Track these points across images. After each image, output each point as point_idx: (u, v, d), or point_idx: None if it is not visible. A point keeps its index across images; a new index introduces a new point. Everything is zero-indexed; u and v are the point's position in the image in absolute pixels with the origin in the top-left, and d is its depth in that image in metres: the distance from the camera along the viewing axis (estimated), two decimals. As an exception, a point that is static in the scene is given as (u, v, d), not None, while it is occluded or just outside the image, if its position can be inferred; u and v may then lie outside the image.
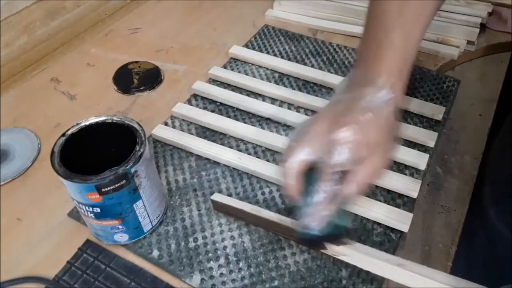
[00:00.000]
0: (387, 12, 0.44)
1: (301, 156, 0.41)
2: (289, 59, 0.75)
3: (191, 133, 0.63)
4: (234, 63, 0.75)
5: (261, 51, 0.77)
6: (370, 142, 0.40)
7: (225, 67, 0.74)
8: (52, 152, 0.45)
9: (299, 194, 0.42)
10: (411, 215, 0.51)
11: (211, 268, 0.48)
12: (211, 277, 0.48)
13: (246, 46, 0.79)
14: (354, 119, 0.40)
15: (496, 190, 0.63)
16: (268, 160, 0.59)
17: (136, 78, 0.73)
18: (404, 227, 0.51)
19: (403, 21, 0.43)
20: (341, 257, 0.46)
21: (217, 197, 0.53)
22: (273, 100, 0.68)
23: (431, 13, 0.45)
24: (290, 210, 0.52)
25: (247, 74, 0.73)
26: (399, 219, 0.51)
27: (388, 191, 0.55)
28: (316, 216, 0.40)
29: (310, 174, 0.41)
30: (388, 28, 0.43)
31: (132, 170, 0.44)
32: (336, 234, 0.43)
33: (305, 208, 0.41)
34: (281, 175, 0.43)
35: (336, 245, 0.44)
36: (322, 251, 0.46)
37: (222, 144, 0.61)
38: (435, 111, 0.64)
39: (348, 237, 0.45)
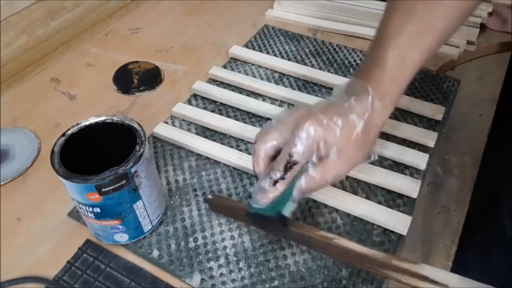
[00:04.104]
0: (392, 20, 0.44)
1: (269, 140, 0.44)
2: (289, 59, 0.75)
3: (191, 133, 0.63)
4: (234, 63, 0.75)
5: (261, 51, 0.77)
6: (330, 143, 0.42)
7: (225, 67, 0.74)
8: (52, 152, 0.45)
9: (261, 173, 0.45)
10: (410, 218, 0.51)
11: (211, 268, 0.48)
12: (211, 277, 0.48)
13: (246, 46, 0.79)
14: (321, 119, 0.42)
15: None
16: (268, 160, 0.59)
17: (136, 78, 0.73)
18: (403, 230, 0.50)
19: (402, 39, 0.43)
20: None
21: (213, 196, 0.53)
22: (273, 100, 0.68)
23: (443, 29, 0.44)
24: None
25: (247, 74, 0.73)
26: (398, 222, 0.51)
27: (388, 191, 0.55)
28: (260, 195, 0.43)
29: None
30: (386, 43, 0.44)
31: (132, 170, 0.44)
32: (274, 218, 0.44)
33: (258, 185, 0.43)
34: (252, 153, 0.46)
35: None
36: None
37: (222, 144, 0.61)
38: (435, 111, 0.64)
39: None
